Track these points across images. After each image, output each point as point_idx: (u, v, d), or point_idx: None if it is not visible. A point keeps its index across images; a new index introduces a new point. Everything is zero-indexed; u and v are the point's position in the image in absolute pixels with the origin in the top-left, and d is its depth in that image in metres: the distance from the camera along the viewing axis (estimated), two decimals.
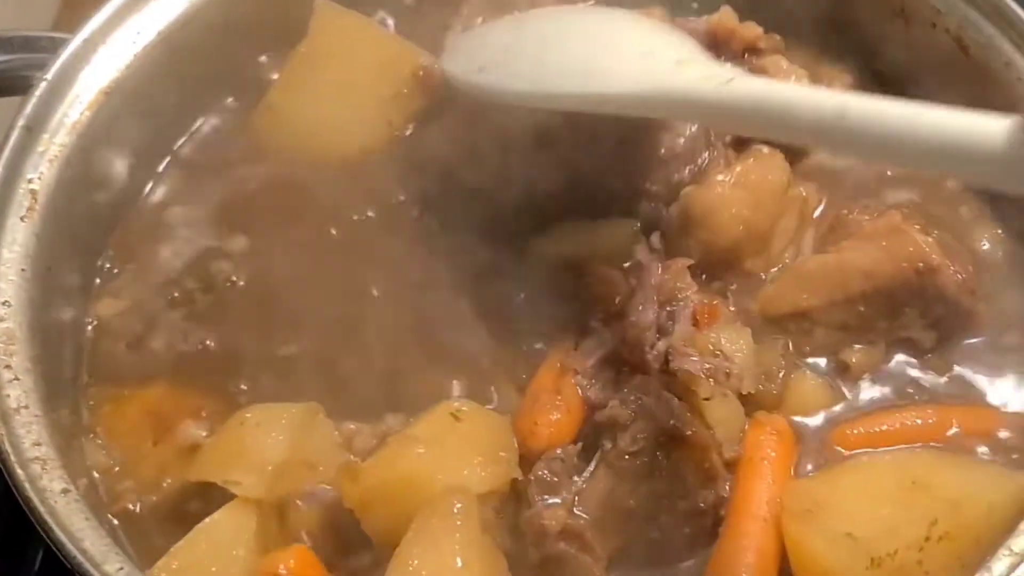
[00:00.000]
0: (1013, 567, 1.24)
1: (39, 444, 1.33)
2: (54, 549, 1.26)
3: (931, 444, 1.45)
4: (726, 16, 1.66)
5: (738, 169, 1.55)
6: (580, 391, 1.45)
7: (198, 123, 1.75)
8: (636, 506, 1.38)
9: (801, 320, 1.51)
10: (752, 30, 1.66)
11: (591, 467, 1.40)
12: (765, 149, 1.57)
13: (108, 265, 1.63)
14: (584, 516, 1.37)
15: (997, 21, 1.61)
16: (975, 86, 1.63)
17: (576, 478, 1.40)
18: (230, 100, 1.76)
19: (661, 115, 1.51)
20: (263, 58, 1.76)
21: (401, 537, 1.28)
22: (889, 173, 1.66)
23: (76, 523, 1.28)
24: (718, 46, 1.64)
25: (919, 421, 1.47)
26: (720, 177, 1.54)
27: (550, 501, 1.38)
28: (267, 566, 1.30)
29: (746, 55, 1.67)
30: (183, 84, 1.70)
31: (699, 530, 1.37)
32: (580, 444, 1.42)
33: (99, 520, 1.30)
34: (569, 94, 1.43)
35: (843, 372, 1.51)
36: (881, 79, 1.74)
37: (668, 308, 1.48)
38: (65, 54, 1.57)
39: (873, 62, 1.75)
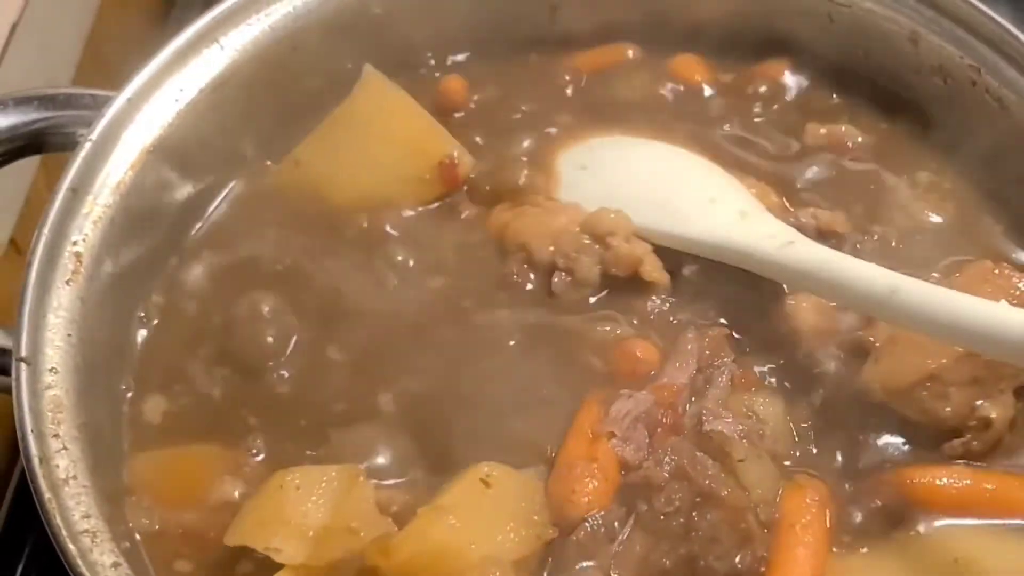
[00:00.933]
0: None
1: (88, 516, 1.32)
2: None
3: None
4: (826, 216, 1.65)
5: None
6: (617, 452, 1.44)
7: (232, 183, 1.75)
8: (672, 568, 1.37)
9: (933, 384, 1.45)
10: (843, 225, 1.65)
11: (627, 530, 1.40)
12: None
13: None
14: None
15: None
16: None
17: (612, 542, 1.39)
18: (268, 163, 1.76)
19: (726, 261, 1.57)
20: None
21: None
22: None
23: None
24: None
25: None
26: None
27: (586, 565, 1.38)
28: None
29: None
30: (224, 142, 1.70)
31: None
32: (616, 507, 1.42)
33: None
34: (647, 227, 1.58)
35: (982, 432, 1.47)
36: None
37: (705, 372, 1.49)
38: (109, 113, 1.57)
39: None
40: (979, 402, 1.46)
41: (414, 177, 1.68)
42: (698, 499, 1.37)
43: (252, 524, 1.39)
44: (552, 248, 1.60)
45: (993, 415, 1.46)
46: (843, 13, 1.76)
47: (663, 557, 1.37)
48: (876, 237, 1.67)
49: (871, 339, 1.52)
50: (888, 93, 1.78)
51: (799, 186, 1.72)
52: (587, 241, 1.59)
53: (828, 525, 1.42)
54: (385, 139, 1.68)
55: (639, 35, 1.87)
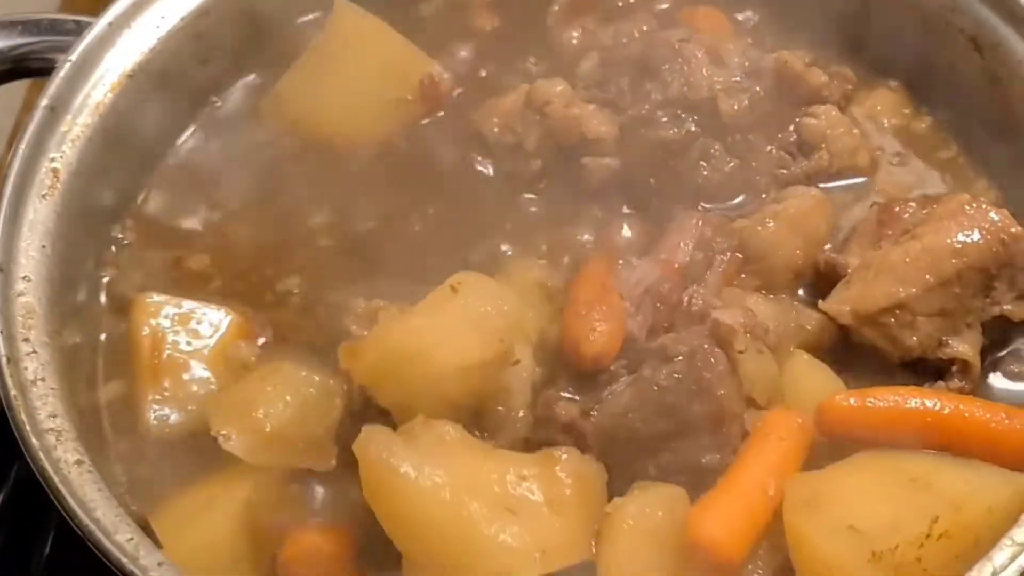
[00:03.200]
0: (1014, 557, 1.24)
1: (54, 416, 1.35)
2: (66, 518, 1.28)
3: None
4: (793, 59, 1.64)
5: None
6: (627, 319, 1.46)
7: (216, 104, 1.77)
8: (645, 436, 1.38)
9: (900, 313, 1.46)
10: (817, 77, 1.65)
11: (622, 386, 1.42)
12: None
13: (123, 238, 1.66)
14: (593, 423, 1.40)
15: None
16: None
17: (604, 388, 1.42)
18: (252, 77, 1.78)
19: None
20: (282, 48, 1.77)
21: (415, 411, 1.33)
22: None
23: (89, 493, 1.30)
24: (783, 89, 1.64)
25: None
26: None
27: (570, 397, 1.42)
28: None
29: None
30: (204, 68, 1.73)
31: (692, 485, 1.37)
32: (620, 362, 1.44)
33: (112, 491, 1.32)
34: None
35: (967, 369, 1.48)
36: None
37: (706, 254, 1.52)
38: (90, 37, 1.60)
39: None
40: (947, 338, 1.47)
41: (396, 99, 1.70)
42: (695, 387, 1.38)
43: (220, 406, 1.43)
44: (497, 129, 1.63)
45: (969, 354, 1.47)
46: None
47: (640, 422, 1.38)
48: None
49: (843, 262, 1.53)
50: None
51: None
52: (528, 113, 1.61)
53: (803, 453, 1.42)
54: (363, 66, 1.69)
55: None
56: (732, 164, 1.59)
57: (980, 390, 1.50)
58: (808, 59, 1.67)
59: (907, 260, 1.47)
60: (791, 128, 1.63)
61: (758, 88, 1.60)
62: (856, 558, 1.30)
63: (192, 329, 1.53)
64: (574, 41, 1.77)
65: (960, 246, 1.46)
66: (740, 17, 1.81)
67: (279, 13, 1.77)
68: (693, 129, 1.58)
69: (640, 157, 1.59)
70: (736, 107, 1.57)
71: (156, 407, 1.49)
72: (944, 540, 1.29)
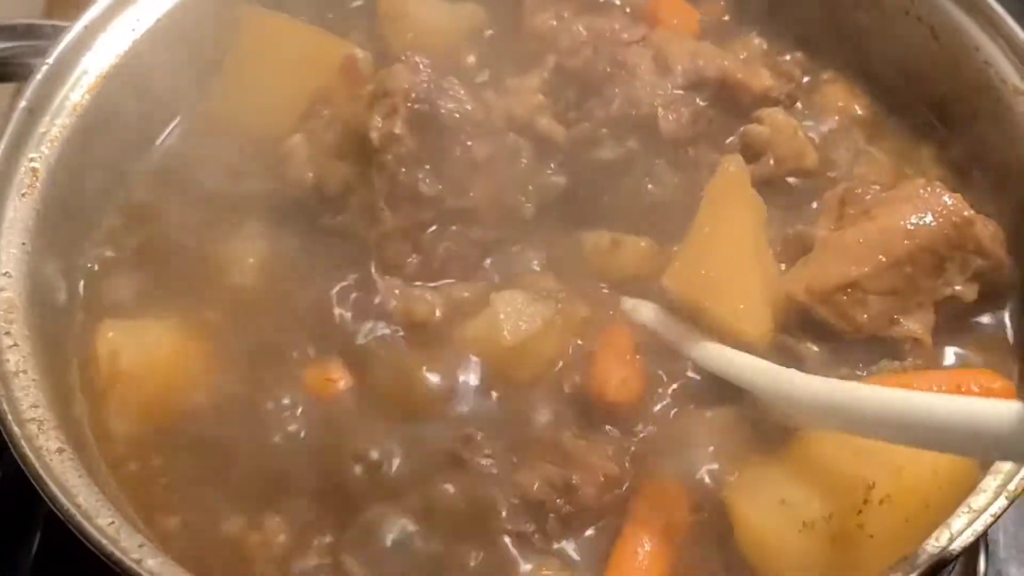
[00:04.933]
0: (971, 523, 1.29)
1: (36, 406, 1.39)
2: (48, 504, 1.31)
3: None
4: (734, 68, 1.65)
5: None
6: None
7: (185, 113, 1.80)
8: None
9: (853, 291, 1.49)
10: (761, 82, 1.66)
11: None
12: None
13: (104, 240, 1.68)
14: None
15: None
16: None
17: None
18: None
19: None
20: None
21: None
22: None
23: (70, 480, 1.33)
24: (727, 96, 1.65)
25: None
26: None
27: None
28: None
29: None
30: (179, 70, 1.75)
31: None
32: None
33: (93, 478, 1.35)
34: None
35: (918, 346, 1.51)
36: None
37: None
38: (66, 39, 1.63)
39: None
40: (898, 316, 1.51)
41: (318, 87, 1.69)
42: None
43: None
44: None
45: (919, 332, 1.51)
46: None
47: None
48: None
49: (811, 233, 1.57)
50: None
51: None
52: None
53: None
54: (281, 63, 1.72)
55: None
56: (677, 178, 1.62)
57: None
58: (763, 49, 1.72)
59: (861, 240, 1.51)
60: (736, 136, 1.65)
61: (699, 100, 1.62)
62: (788, 531, 1.35)
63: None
64: (544, 27, 1.77)
65: (913, 227, 1.50)
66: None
67: None
68: (635, 147, 1.60)
69: (587, 176, 1.63)
70: (676, 122, 1.59)
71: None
72: (887, 505, 1.32)
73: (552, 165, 1.62)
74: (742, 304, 1.47)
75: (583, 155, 1.62)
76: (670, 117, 1.59)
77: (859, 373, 1.51)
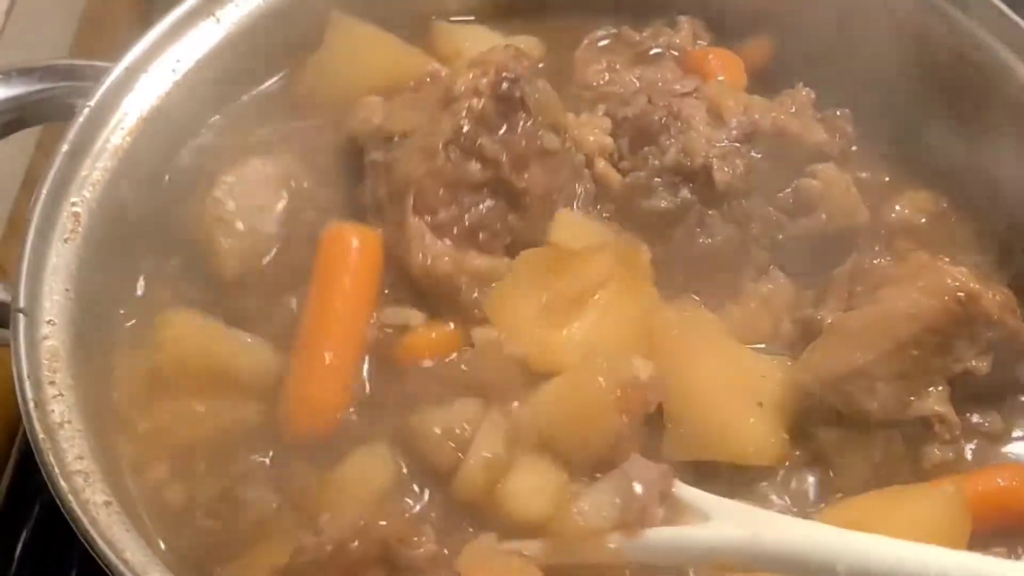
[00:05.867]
0: None
1: (82, 458, 1.38)
2: (97, 560, 1.30)
3: None
4: (790, 121, 1.64)
5: None
6: None
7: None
8: None
9: (859, 379, 1.48)
10: (815, 136, 1.65)
11: None
12: None
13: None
14: None
15: None
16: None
17: None
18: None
19: None
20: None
21: None
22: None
23: (117, 534, 1.32)
24: (781, 149, 1.64)
25: None
26: None
27: None
28: None
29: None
30: (220, 109, 1.75)
31: None
32: None
33: (139, 531, 1.34)
34: None
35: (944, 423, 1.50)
36: None
37: None
38: (108, 81, 1.63)
39: None
40: (911, 398, 1.49)
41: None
42: None
43: None
44: None
45: (937, 410, 1.49)
46: None
47: None
48: None
49: (819, 318, 1.56)
50: None
51: None
52: None
53: None
54: (361, 71, 1.73)
55: None
56: (728, 230, 1.61)
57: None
58: (812, 100, 1.70)
59: (865, 326, 1.49)
60: (789, 189, 1.63)
61: (755, 152, 1.61)
62: None
63: None
64: (595, 80, 1.80)
65: (916, 310, 1.48)
66: None
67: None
68: (689, 197, 1.60)
69: (638, 223, 1.62)
70: (731, 174, 1.58)
71: None
72: None
73: (601, 208, 1.63)
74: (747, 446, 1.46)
75: (635, 203, 1.62)
76: (725, 169, 1.58)
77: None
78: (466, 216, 1.55)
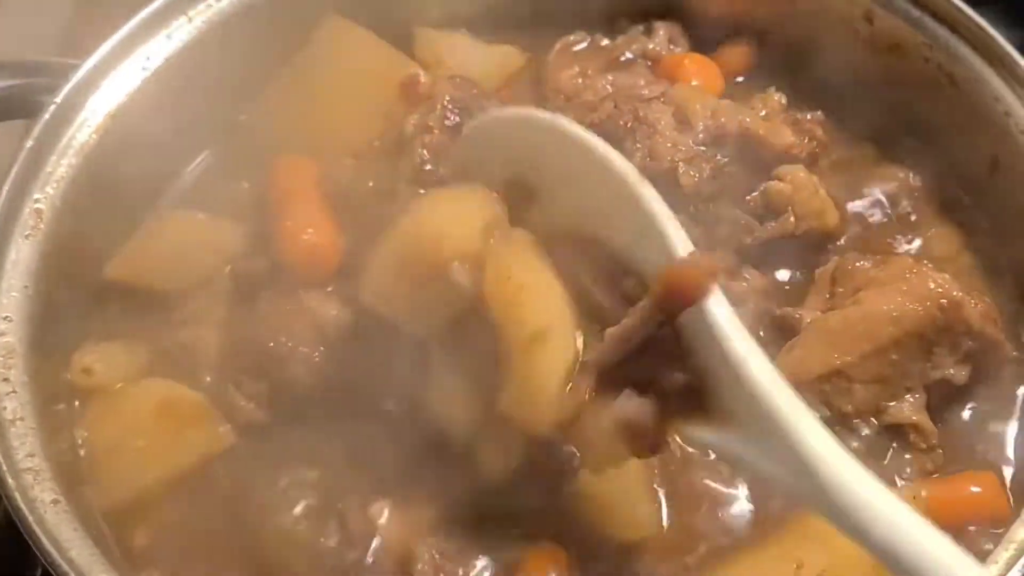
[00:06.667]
0: None
1: (32, 455, 1.37)
2: (40, 558, 1.29)
3: None
4: (756, 124, 1.62)
5: None
6: None
7: (205, 143, 1.79)
8: None
9: (836, 380, 1.47)
10: (782, 139, 1.63)
11: None
12: None
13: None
14: None
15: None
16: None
17: None
18: (243, 117, 1.79)
19: None
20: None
21: None
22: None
23: (64, 533, 1.32)
24: (748, 152, 1.62)
25: None
26: None
27: None
28: None
29: None
30: (192, 107, 1.74)
31: None
32: None
33: (88, 530, 1.34)
34: None
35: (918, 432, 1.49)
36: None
37: None
38: (75, 79, 1.62)
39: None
40: (885, 404, 1.48)
41: (377, 103, 1.71)
42: None
43: None
44: None
45: (911, 419, 1.48)
46: None
47: None
48: None
49: (797, 316, 1.54)
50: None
51: None
52: None
53: None
54: (343, 72, 1.73)
55: None
56: (695, 234, 1.56)
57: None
58: (783, 104, 1.70)
59: (845, 327, 1.48)
60: (757, 192, 1.62)
61: (720, 156, 1.60)
62: None
63: None
64: (567, 86, 1.78)
65: (898, 313, 1.47)
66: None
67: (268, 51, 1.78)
68: None
69: None
70: (697, 177, 1.57)
71: None
72: None
73: None
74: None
75: None
76: (691, 173, 1.57)
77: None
78: None
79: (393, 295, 1.37)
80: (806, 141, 1.65)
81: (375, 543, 1.40)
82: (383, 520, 1.41)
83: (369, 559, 1.39)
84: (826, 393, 1.47)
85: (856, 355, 1.46)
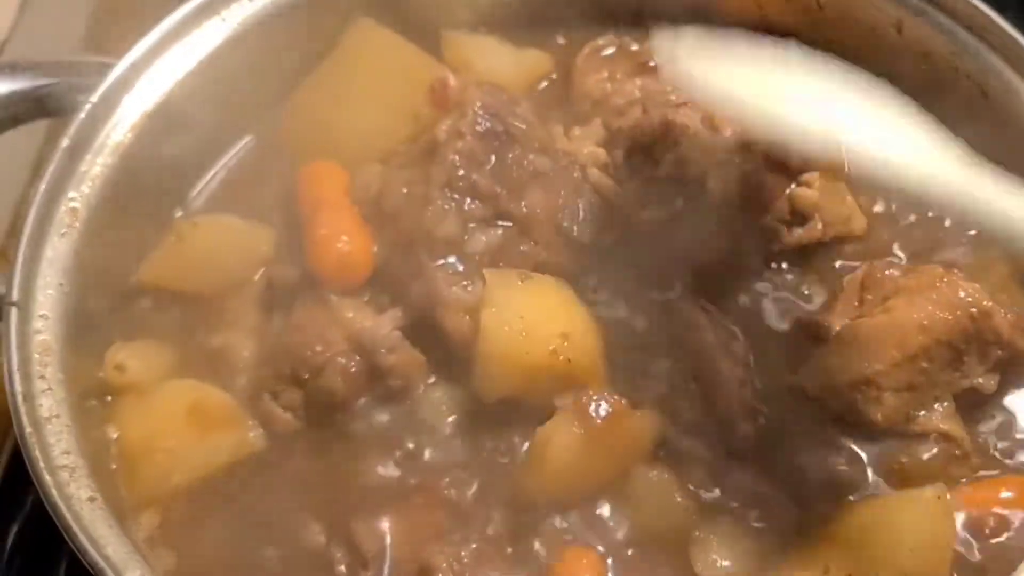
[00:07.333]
0: None
1: (68, 453, 1.39)
2: (77, 555, 1.31)
3: None
4: None
5: None
6: None
7: (240, 144, 1.81)
8: None
9: (867, 388, 1.47)
10: None
11: None
12: None
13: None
14: None
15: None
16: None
17: None
18: (275, 120, 1.80)
19: None
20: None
21: None
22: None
23: (99, 530, 1.33)
24: (774, 162, 1.62)
25: None
26: None
27: None
28: None
29: None
30: (225, 107, 1.75)
31: None
32: None
33: (123, 528, 1.35)
34: None
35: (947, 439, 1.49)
36: None
37: None
38: (111, 78, 1.63)
39: None
40: (914, 412, 1.48)
41: (407, 106, 1.71)
42: None
43: None
44: None
45: (943, 427, 1.48)
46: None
47: None
48: None
49: (826, 324, 1.55)
50: None
51: None
52: None
53: None
54: (375, 75, 1.74)
55: None
56: (724, 238, 1.61)
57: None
58: None
59: (876, 335, 1.48)
60: (784, 198, 1.62)
61: (748, 162, 1.60)
62: None
63: None
64: (596, 90, 1.79)
65: (928, 322, 1.47)
66: None
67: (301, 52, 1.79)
68: (684, 206, 1.59)
69: (633, 234, 1.62)
70: (725, 183, 1.58)
71: None
72: None
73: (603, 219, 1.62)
74: None
75: (631, 213, 1.61)
76: (719, 178, 1.58)
77: None
78: (477, 255, 1.54)
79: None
80: None
81: (387, 560, 1.41)
82: (392, 535, 1.43)
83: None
84: (856, 401, 1.47)
85: (886, 363, 1.47)
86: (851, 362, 1.48)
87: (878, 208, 1.70)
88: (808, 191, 1.61)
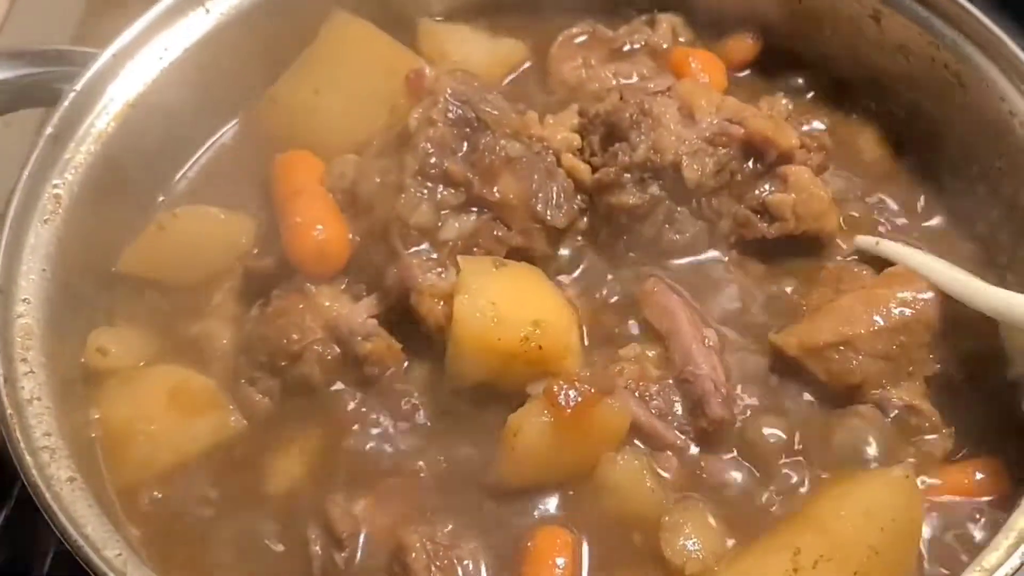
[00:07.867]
0: None
1: (49, 434, 1.40)
2: (56, 534, 1.32)
3: None
4: (762, 124, 1.63)
5: None
6: None
7: (221, 133, 1.83)
8: None
9: (845, 349, 1.50)
10: (787, 140, 1.64)
11: None
12: None
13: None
14: None
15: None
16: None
17: None
18: (255, 110, 1.82)
19: None
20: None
21: None
22: None
23: (80, 510, 1.35)
24: (752, 151, 1.63)
25: None
26: None
27: None
28: None
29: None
30: (207, 97, 1.77)
31: None
32: None
33: (103, 508, 1.37)
34: None
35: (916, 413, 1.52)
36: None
37: None
38: (94, 68, 1.65)
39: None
40: (887, 383, 1.51)
41: (384, 96, 1.71)
42: None
43: None
44: None
45: (913, 401, 1.51)
46: None
47: None
48: None
49: (803, 305, 1.59)
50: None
51: None
52: None
53: None
54: (352, 66, 1.76)
55: None
56: (697, 227, 1.63)
57: None
58: (789, 110, 1.73)
59: (858, 304, 1.53)
60: (759, 190, 1.64)
61: (725, 150, 1.61)
62: None
63: None
64: (571, 77, 1.81)
65: (911, 298, 1.52)
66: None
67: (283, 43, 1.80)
68: (658, 193, 1.61)
69: (607, 218, 1.64)
70: (700, 172, 1.60)
71: None
72: (824, 564, 1.34)
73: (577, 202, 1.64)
74: None
75: (605, 198, 1.62)
76: (694, 166, 1.59)
77: None
78: (450, 241, 1.55)
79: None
80: (815, 152, 1.67)
81: (362, 540, 1.43)
82: (366, 516, 1.44)
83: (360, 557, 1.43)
84: (833, 361, 1.50)
85: (867, 329, 1.50)
86: (830, 325, 1.52)
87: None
88: (783, 183, 1.63)
